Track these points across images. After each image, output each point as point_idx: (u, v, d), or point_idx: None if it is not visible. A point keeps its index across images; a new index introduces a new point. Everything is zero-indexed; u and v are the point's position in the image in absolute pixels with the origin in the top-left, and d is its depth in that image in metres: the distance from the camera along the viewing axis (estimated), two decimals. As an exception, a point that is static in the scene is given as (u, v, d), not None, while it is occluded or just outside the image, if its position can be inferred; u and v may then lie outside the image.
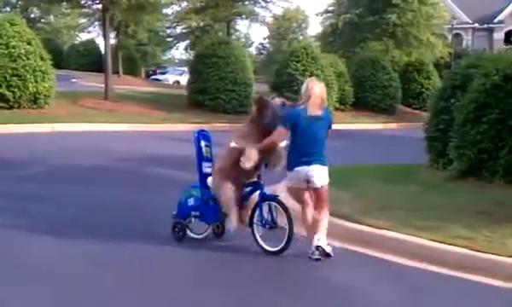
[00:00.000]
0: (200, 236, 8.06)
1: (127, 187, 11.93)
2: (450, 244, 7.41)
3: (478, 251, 7.17)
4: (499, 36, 65.37)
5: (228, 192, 7.51)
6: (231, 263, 7.24)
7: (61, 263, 7.00)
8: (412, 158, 14.58)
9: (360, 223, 8.39)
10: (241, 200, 7.70)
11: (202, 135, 8.10)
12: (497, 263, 6.92)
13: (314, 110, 7.36)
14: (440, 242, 7.50)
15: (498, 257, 6.99)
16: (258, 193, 7.61)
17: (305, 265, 7.21)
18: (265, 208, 7.57)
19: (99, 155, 15.89)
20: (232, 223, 7.54)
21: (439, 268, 7.10)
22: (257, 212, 7.57)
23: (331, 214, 8.72)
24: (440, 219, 8.42)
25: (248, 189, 7.75)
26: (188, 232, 8.02)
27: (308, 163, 7.33)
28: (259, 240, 7.55)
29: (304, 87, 7.53)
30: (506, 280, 6.65)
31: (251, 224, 7.59)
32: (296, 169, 7.37)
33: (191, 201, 7.99)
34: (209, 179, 7.78)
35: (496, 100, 11.53)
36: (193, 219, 8.02)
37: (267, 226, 7.55)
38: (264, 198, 7.54)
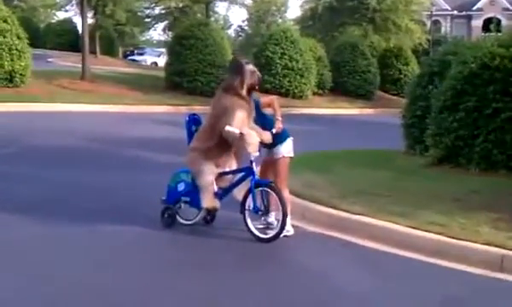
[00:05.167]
0: (190, 222, 7.92)
1: (104, 168, 11.86)
2: (424, 230, 7.43)
3: (452, 237, 7.20)
4: (478, 23, 65.86)
5: (210, 176, 7.47)
6: (213, 249, 7.19)
7: (37, 245, 6.93)
8: (389, 144, 14.64)
9: (336, 208, 8.38)
10: (231, 187, 7.73)
11: (193, 119, 7.99)
12: (471, 249, 6.95)
13: None
14: (415, 228, 7.52)
15: (472, 243, 7.03)
16: (250, 179, 7.50)
17: (280, 250, 7.22)
18: (258, 195, 7.49)
19: (74, 136, 15.79)
20: (205, 203, 7.51)
21: (413, 253, 7.13)
22: (249, 199, 7.46)
23: (308, 198, 8.78)
24: (416, 205, 8.44)
25: (240, 175, 7.68)
26: (177, 218, 7.92)
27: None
28: (251, 226, 7.48)
29: None
30: (479, 267, 6.69)
31: (243, 211, 7.49)
32: (291, 138, 7.79)
33: (181, 186, 7.82)
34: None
35: (473, 88, 11.59)
36: (183, 205, 7.88)
37: (259, 213, 7.51)
38: (257, 184, 7.44)
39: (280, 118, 7.56)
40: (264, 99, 7.91)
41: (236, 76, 7.46)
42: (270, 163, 7.78)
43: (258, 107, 7.67)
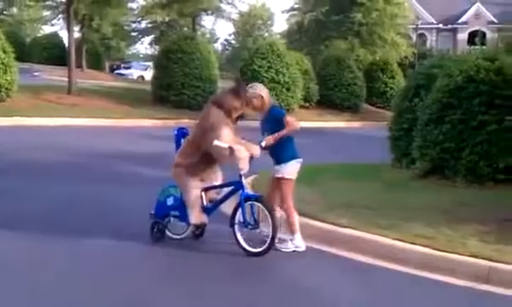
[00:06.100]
0: (179, 236, 7.91)
1: (90, 183, 11.77)
2: (412, 243, 7.46)
3: (439, 250, 7.22)
4: (463, 36, 66.35)
5: (196, 191, 7.48)
6: (202, 263, 7.18)
7: (22, 260, 6.90)
8: (376, 156, 14.67)
9: (324, 222, 8.40)
10: (220, 202, 7.73)
11: (182, 132, 7.99)
12: (458, 262, 6.98)
13: None
14: (402, 241, 7.54)
15: (459, 256, 7.05)
16: (240, 193, 7.47)
17: (270, 263, 7.20)
18: (247, 208, 7.46)
19: (61, 150, 15.71)
20: (192, 219, 7.52)
21: (401, 266, 7.14)
22: (238, 213, 7.45)
23: (296, 212, 8.76)
24: (403, 218, 8.47)
25: (230, 189, 7.67)
26: (166, 232, 7.90)
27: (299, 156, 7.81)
28: (241, 240, 7.47)
29: (265, 94, 7.76)
30: (466, 280, 6.71)
31: (232, 225, 7.48)
32: (299, 160, 7.77)
33: (170, 201, 7.83)
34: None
35: (458, 100, 11.67)
36: (172, 219, 7.86)
37: (249, 227, 7.45)
38: (246, 198, 7.43)
39: (277, 136, 7.54)
40: (290, 118, 7.79)
41: (238, 98, 7.47)
42: (275, 180, 7.77)
43: (282, 117, 7.68)
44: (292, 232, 7.68)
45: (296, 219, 7.72)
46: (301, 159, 7.80)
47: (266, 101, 7.73)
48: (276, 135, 7.56)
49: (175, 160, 7.66)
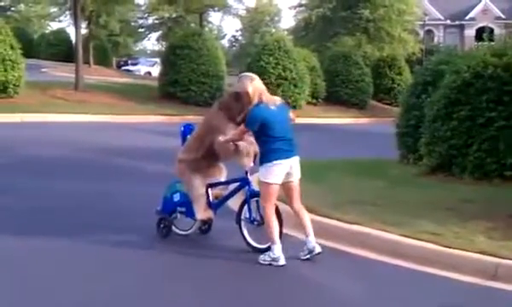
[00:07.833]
0: (185, 233, 7.92)
1: (96, 179, 11.78)
2: (418, 239, 7.42)
3: (446, 246, 7.19)
4: (471, 33, 66.19)
5: (200, 188, 7.48)
6: (209, 259, 7.17)
7: (22, 256, 6.90)
8: (383, 153, 14.64)
9: (329, 217, 8.37)
10: (226, 198, 7.72)
11: (188, 128, 7.98)
12: (465, 259, 6.95)
13: (272, 102, 7.18)
14: (409, 237, 7.51)
15: (466, 252, 7.02)
16: (246, 189, 7.45)
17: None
18: (254, 205, 7.41)
19: (67, 147, 15.72)
20: (198, 215, 7.53)
21: (407, 263, 7.12)
22: (245, 209, 7.43)
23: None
24: (409, 214, 8.44)
25: (236, 185, 7.65)
26: (173, 228, 7.89)
27: (289, 155, 6.99)
28: (247, 237, 7.44)
29: (249, 88, 7.07)
30: (473, 276, 6.69)
31: (238, 221, 7.46)
32: (277, 162, 6.90)
33: (177, 197, 7.80)
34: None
35: (466, 97, 11.61)
36: (178, 215, 7.86)
37: (255, 223, 7.40)
38: (252, 194, 7.39)
39: (227, 138, 7.27)
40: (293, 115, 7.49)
41: (237, 103, 7.26)
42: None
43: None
44: (270, 241, 7.03)
45: (276, 229, 7.02)
46: (283, 161, 6.90)
47: (252, 97, 7.00)
48: (227, 138, 7.24)
49: (178, 156, 7.66)
